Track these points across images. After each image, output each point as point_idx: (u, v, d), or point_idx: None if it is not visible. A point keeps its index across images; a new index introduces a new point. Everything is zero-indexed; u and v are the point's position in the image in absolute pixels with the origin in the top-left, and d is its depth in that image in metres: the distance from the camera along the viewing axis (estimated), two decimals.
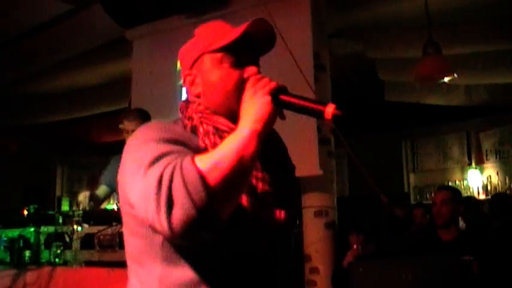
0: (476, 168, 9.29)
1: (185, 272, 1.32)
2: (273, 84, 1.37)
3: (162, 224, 1.17)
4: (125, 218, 1.45)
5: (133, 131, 3.83)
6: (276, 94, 1.35)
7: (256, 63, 1.51)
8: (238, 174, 1.23)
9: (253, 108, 1.33)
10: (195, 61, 1.52)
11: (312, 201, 5.23)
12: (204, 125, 1.46)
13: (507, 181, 8.83)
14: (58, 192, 11.15)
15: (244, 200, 1.36)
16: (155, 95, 6.14)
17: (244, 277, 1.38)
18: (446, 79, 5.70)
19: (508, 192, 8.54)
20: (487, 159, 9.23)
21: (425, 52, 5.55)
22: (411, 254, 3.90)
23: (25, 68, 7.61)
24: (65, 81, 8.29)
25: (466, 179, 9.30)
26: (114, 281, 2.76)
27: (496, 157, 9.12)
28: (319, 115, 1.34)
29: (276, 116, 1.36)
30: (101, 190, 4.19)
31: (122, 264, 2.76)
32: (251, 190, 1.39)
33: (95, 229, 2.93)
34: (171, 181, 1.17)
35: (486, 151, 9.23)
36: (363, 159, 5.15)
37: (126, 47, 6.75)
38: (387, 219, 5.81)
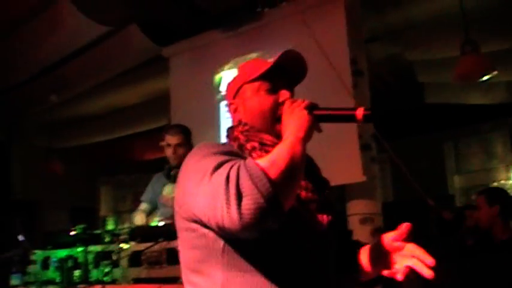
0: None
1: (247, 277, 1.42)
2: (306, 101, 1.58)
3: (233, 216, 1.26)
4: (182, 234, 1.55)
5: (176, 145, 3.97)
6: (310, 109, 1.55)
7: (290, 89, 1.71)
8: (292, 169, 1.36)
9: (294, 121, 1.52)
10: (237, 91, 1.74)
11: (357, 209, 5.19)
12: (251, 142, 1.63)
13: None
14: (103, 212, 11.29)
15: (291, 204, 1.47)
16: (194, 111, 6.19)
17: (302, 277, 1.48)
18: (486, 77, 5.60)
19: None
20: None
21: (463, 51, 5.47)
22: (462, 257, 3.84)
23: (67, 90, 7.76)
24: (105, 102, 8.45)
25: (511, 178, 9.10)
26: None
27: None
28: (351, 119, 1.53)
29: (314, 127, 1.53)
30: (142, 207, 4.23)
31: (170, 280, 2.80)
32: (296, 197, 1.50)
33: (142, 246, 2.95)
34: (237, 177, 1.29)
35: None
36: (405, 163, 5.08)
37: (163, 64, 6.83)
38: (435, 222, 5.71)
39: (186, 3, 5.86)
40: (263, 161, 1.35)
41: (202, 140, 5.19)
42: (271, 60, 1.70)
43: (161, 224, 3.23)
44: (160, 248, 2.85)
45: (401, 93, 8.19)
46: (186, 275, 1.56)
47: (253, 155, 1.59)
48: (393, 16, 6.10)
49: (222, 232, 1.34)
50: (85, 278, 3.17)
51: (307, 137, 1.49)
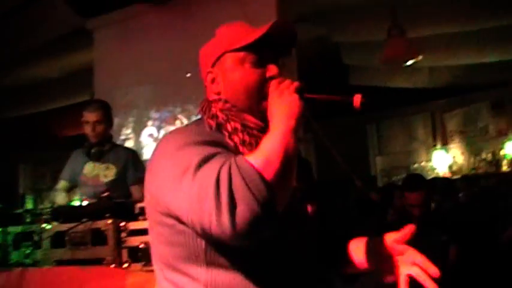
0: (441, 149, 9.41)
1: (231, 274, 1.32)
2: (296, 83, 1.41)
3: (224, 225, 1.15)
4: (156, 228, 1.42)
5: (95, 122, 3.83)
6: (301, 93, 1.39)
7: (277, 63, 1.52)
8: (287, 166, 1.25)
9: (283, 106, 1.35)
10: (217, 60, 1.54)
11: None
12: (232, 122, 1.47)
13: (472, 160, 8.96)
14: (21, 190, 10.91)
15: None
16: (119, 86, 6.00)
17: (286, 270, 1.39)
18: (411, 61, 5.72)
19: (473, 172, 8.68)
20: (451, 140, 9.36)
21: (389, 35, 5.56)
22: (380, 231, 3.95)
23: None
24: (25, 75, 8.07)
25: (431, 160, 9.42)
26: (88, 279, 2.67)
27: (461, 137, 9.25)
28: (347, 105, 1.42)
29: (304, 114, 1.38)
30: (61, 185, 4.08)
31: (95, 262, 2.70)
32: None
33: (64, 227, 2.83)
34: (230, 180, 1.17)
35: (450, 132, 9.36)
36: (331, 145, 5.11)
37: (87, 37, 6.59)
38: (357, 203, 5.82)
39: None
40: (255, 159, 1.22)
41: (125, 117, 5.05)
42: (255, 27, 1.53)
43: (84, 203, 3.10)
44: (84, 228, 2.73)
45: (326, 75, 8.26)
46: (161, 271, 1.44)
47: (235, 138, 1.44)
48: None
49: (205, 236, 1.24)
50: (4, 261, 3.01)
51: (298, 126, 1.32)
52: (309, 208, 1.52)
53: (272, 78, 1.47)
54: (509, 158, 8.44)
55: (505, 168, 8.31)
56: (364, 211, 5.51)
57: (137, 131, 5.68)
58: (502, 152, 8.64)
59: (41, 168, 10.95)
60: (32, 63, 7.56)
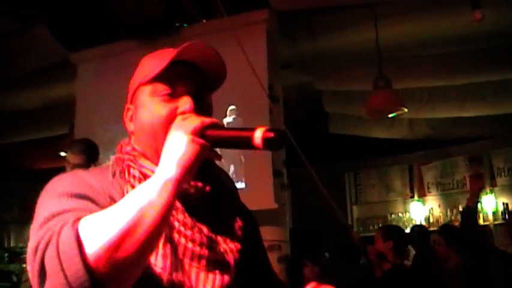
0: (418, 200, 9.43)
1: None
2: (201, 121, 1.15)
3: None
4: None
5: (74, 165, 3.72)
6: (201, 131, 1.14)
7: (200, 97, 1.29)
8: (132, 237, 0.99)
9: (173, 150, 1.11)
10: (134, 94, 1.35)
11: (265, 236, 5.07)
12: (131, 170, 1.27)
13: (448, 213, 8.98)
14: None
15: (163, 264, 1.14)
16: (100, 122, 5.90)
17: None
18: (396, 113, 5.75)
19: (450, 223, 8.69)
20: (428, 192, 9.39)
21: (376, 86, 5.59)
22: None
23: None
24: (3, 104, 7.91)
25: (408, 211, 9.42)
26: None
27: (438, 189, 9.28)
28: (248, 143, 1.12)
29: (202, 158, 1.13)
30: None
31: None
32: (174, 251, 1.16)
33: None
34: (45, 249, 0.98)
35: (428, 183, 9.40)
36: (307, 191, 5.08)
37: (69, 70, 6.50)
38: (337, 248, 5.80)
39: (100, 10, 5.61)
40: (89, 223, 1.00)
41: (106, 155, 4.92)
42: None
43: None
44: None
45: (307, 122, 8.27)
46: None
47: (129, 188, 1.23)
48: (306, 46, 6.14)
49: None
50: None
51: (186, 176, 1.09)
52: (218, 280, 1.19)
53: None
54: (484, 211, 8.48)
55: (481, 221, 8.33)
56: (346, 257, 5.48)
57: None
58: (478, 206, 8.62)
59: (10, 200, 10.65)
60: (12, 92, 7.44)
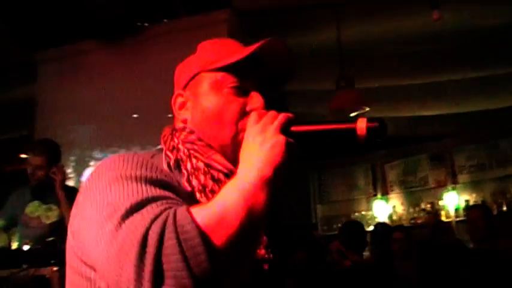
0: (381, 198, 9.51)
1: None
2: (284, 116, 1.09)
3: None
4: (73, 278, 1.10)
5: (36, 166, 3.67)
6: (287, 129, 1.08)
7: (264, 94, 1.22)
8: (247, 232, 0.92)
9: (260, 149, 1.03)
10: (190, 80, 1.26)
11: None
12: (194, 160, 1.16)
13: (411, 210, 9.12)
14: None
15: None
16: (62, 123, 5.82)
17: None
18: (356, 112, 5.80)
19: (412, 222, 8.82)
20: (391, 190, 9.50)
21: (338, 86, 5.62)
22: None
23: None
24: None
25: (371, 209, 9.49)
26: None
27: (400, 187, 9.40)
28: (350, 136, 1.07)
29: (291, 156, 1.06)
30: None
31: None
32: None
33: (3, 272, 2.65)
34: (160, 242, 0.85)
35: (391, 182, 9.50)
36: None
37: (29, 70, 6.39)
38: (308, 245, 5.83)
39: (62, 10, 5.53)
40: (204, 215, 0.90)
41: (67, 156, 4.87)
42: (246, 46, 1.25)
43: (26, 247, 2.93)
44: (25, 275, 2.57)
45: None
46: None
47: (194, 181, 1.12)
48: None
49: None
50: None
51: (276, 177, 1.00)
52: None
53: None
54: (447, 208, 8.62)
55: (443, 218, 8.48)
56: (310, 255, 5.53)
57: (79, 171, 5.48)
58: (440, 203, 8.83)
59: None
60: None
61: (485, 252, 4.06)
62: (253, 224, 0.93)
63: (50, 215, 3.68)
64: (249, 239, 0.95)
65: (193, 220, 0.88)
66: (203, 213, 0.91)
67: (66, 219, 3.44)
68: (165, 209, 0.91)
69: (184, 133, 1.22)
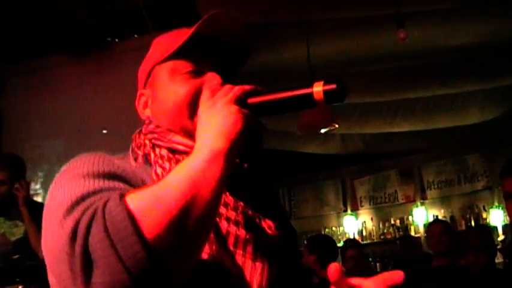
0: (351, 214, 9.57)
1: None
2: (238, 89, 1.03)
3: None
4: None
5: (0, 182, 3.60)
6: (242, 101, 1.02)
7: (226, 73, 1.18)
8: (192, 213, 0.85)
9: (212, 122, 0.98)
10: (148, 77, 1.23)
11: None
12: (157, 150, 1.13)
13: (381, 226, 9.18)
14: None
15: (206, 250, 0.97)
16: (28, 138, 5.74)
17: None
18: (325, 129, 5.83)
19: (382, 237, 8.88)
20: (361, 206, 9.55)
21: None
22: None
23: None
24: None
25: (342, 225, 9.54)
26: None
27: (370, 203, 9.46)
28: (308, 102, 1.01)
29: (248, 128, 1.00)
30: None
31: None
32: (217, 235, 1.01)
33: None
34: (88, 230, 0.81)
35: (361, 197, 9.56)
36: None
37: None
38: None
39: (31, 23, 5.48)
40: (139, 199, 0.85)
41: (34, 171, 4.79)
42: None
43: None
44: None
45: None
46: None
47: (158, 169, 1.08)
48: None
49: None
50: None
51: (233, 148, 0.95)
52: (266, 270, 1.02)
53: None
54: (416, 224, 8.69)
55: (412, 233, 8.56)
56: None
57: (47, 186, 5.39)
58: (410, 218, 8.91)
59: None
60: None
61: (448, 268, 4.11)
62: (200, 203, 0.87)
63: (15, 232, 3.60)
64: (197, 221, 0.86)
65: (123, 204, 0.83)
66: (137, 196, 0.86)
67: (29, 236, 3.38)
68: (100, 199, 0.88)
69: (145, 126, 1.20)
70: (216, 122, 0.98)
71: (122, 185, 0.99)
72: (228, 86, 1.05)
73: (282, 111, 1.07)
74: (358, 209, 9.56)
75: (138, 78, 1.29)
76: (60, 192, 0.95)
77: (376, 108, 6.88)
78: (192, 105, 1.12)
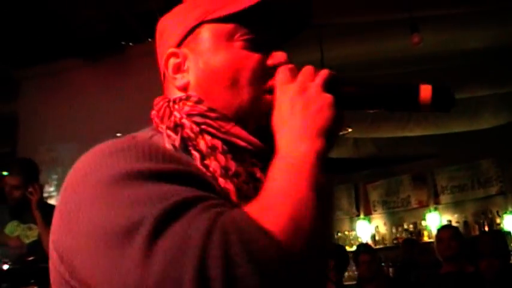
0: (364, 218, 9.55)
1: None
2: (325, 72, 0.87)
3: None
4: None
5: (13, 187, 3.64)
6: (334, 88, 0.85)
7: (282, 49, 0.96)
8: (323, 231, 0.73)
9: (305, 114, 0.81)
10: (188, 34, 0.96)
11: None
12: (208, 137, 0.87)
13: (394, 230, 9.15)
14: None
15: None
16: (43, 141, 5.78)
17: None
18: (341, 133, 5.83)
19: (395, 242, 8.83)
20: (374, 210, 9.53)
21: None
22: None
23: None
24: None
25: (355, 229, 9.52)
26: None
27: (383, 208, 9.43)
28: (409, 102, 0.88)
29: (342, 123, 0.85)
30: None
31: None
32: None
33: None
34: (227, 268, 0.63)
35: (373, 202, 9.54)
36: None
37: (11, 87, 6.34)
38: None
39: (45, 27, 5.53)
40: (274, 222, 0.68)
41: (48, 175, 4.83)
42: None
43: (5, 267, 2.89)
44: None
45: None
46: None
47: (213, 163, 0.84)
48: None
49: None
50: None
51: (330, 148, 0.81)
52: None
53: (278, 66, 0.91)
54: (429, 229, 8.65)
55: (425, 238, 8.51)
56: None
57: (60, 189, 5.44)
58: (423, 223, 8.87)
59: None
60: None
61: (456, 274, 4.09)
62: (326, 217, 0.74)
63: (30, 235, 3.64)
64: (325, 235, 0.75)
65: (264, 231, 0.66)
66: (270, 219, 0.68)
67: (42, 239, 3.40)
68: (215, 214, 0.68)
69: (190, 103, 0.91)
70: (311, 115, 0.81)
71: (206, 192, 0.75)
72: (309, 67, 0.88)
73: (371, 106, 0.92)
74: (371, 214, 9.54)
75: (162, 32, 1.04)
76: (117, 205, 0.71)
77: (388, 113, 6.86)
78: (256, 86, 0.92)
